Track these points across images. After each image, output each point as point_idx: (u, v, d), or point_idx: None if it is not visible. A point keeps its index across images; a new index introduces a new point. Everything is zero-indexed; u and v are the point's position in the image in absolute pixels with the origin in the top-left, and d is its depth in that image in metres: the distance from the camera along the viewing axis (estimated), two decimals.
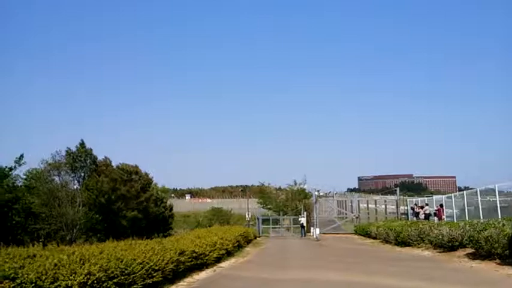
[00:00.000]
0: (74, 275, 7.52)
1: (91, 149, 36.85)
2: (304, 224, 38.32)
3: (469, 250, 15.84)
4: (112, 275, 8.33)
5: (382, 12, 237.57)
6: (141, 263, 9.31)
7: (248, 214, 51.84)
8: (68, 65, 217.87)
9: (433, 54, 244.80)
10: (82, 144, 36.59)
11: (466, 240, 16.12)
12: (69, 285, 7.32)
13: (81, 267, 7.81)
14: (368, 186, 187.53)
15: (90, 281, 7.68)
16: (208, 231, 21.32)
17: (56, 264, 7.60)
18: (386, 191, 77.45)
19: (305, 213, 41.24)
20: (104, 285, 8.02)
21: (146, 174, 41.00)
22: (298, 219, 40.25)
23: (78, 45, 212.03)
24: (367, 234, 31.46)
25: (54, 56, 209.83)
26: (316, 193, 48.90)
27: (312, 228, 36.75)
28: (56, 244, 10.43)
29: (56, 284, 7.19)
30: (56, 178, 33.87)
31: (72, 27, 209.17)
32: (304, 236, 36.96)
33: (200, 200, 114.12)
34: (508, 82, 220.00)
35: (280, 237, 38.23)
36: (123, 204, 37.02)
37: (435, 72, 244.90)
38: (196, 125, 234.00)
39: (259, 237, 35.97)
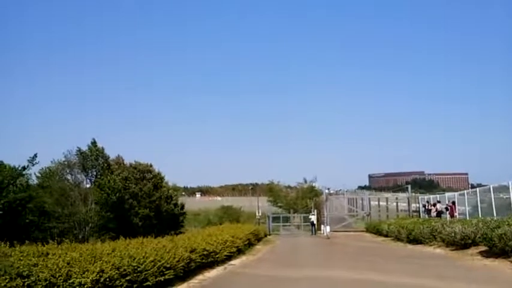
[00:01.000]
0: (86, 272, 7.60)
1: (103, 148, 37.14)
2: (315, 222, 38.24)
3: (482, 248, 15.63)
4: (124, 272, 8.40)
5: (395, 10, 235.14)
6: (152, 261, 9.38)
7: (258, 212, 51.83)
8: (80, 63, 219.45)
9: (450, 54, 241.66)
10: (94, 143, 36.90)
11: (479, 237, 15.93)
12: (82, 282, 7.41)
13: (93, 265, 7.89)
14: (379, 183, 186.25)
15: (102, 279, 7.75)
16: (219, 229, 21.36)
17: (68, 262, 7.69)
18: (398, 188, 76.95)
19: (315, 211, 41.14)
20: (117, 282, 8.10)
21: (159, 173, 41.22)
22: (308, 217, 40.16)
23: (83, 44, 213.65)
24: (378, 232, 31.27)
25: (67, 54, 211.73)
26: (327, 191, 48.88)
27: (322, 226, 36.65)
28: (69, 242, 10.54)
29: (69, 282, 7.28)
30: (69, 177, 34.24)
31: (88, 22, 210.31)
32: (315, 233, 36.88)
33: (210, 198, 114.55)
34: None
35: (291, 235, 38.19)
36: (136, 202, 37.28)
37: (451, 70, 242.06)
38: (208, 124, 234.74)
39: (269, 235, 35.97)
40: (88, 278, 7.50)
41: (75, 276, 7.40)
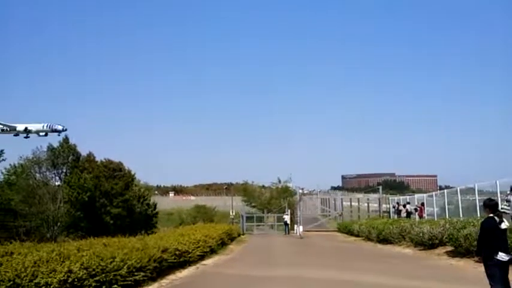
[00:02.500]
0: (53, 272, 7.43)
1: (75, 145, 36.28)
2: (288, 222, 38.52)
3: (449, 248, 16.14)
4: (93, 272, 8.24)
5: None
6: (122, 261, 9.23)
7: (232, 212, 51.75)
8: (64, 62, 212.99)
9: (420, 50, 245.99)
10: (65, 139, 36.00)
11: (446, 238, 16.44)
12: (49, 283, 7.23)
13: (61, 264, 7.71)
14: (351, 184, 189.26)
15: (70, 279, 7.58)
16: (192, 228, 21.23)
17: (35, 262, 7.49)
18: (369, 189, 78.37)
19: (289, 211, 41.42)
20: (85, 283, 7.93)
21: (129, 171, 40.56)
22: (282, 217, 40.36)
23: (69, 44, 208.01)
24: (350, 232, 31.77)
25: (51, 53, 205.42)
26: (300, 191, 49.32)
27: (295, 225, 36.95)
28: (36, 242, 10.26)
29: (34, 282, 7.09)
30: (37, 174, 33.32)
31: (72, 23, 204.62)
32: (288, 233, 37.14)
33: (184, 198, 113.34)
34: (496, 82, 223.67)
35: (264, 234, 38.32)
36: (107, 201, 36.61)
37: (422, 71, 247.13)
38: (181, 123, 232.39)
39: (243, 234, 35.98)
40: (55, 278, 7.33)
41: (41, 276, 7.22)
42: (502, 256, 6.91)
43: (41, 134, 51.31)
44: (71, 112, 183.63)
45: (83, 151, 38.50)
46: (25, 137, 52.06)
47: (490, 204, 7.19)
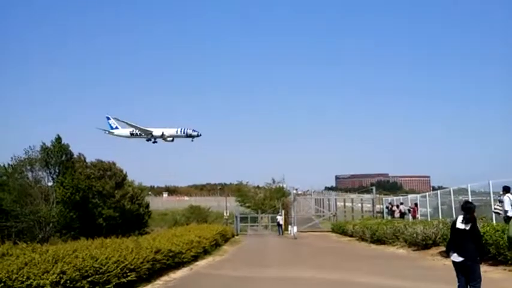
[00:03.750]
0: (46, 274, 7.35)
1: (68, 145, 35.97)
2: (281, 223, 38.57)
3: (442, 248, 16.19)
4: (86, 274, 8.19)
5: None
6: (116, 262, 9.18)
7: (226, 212, 51.68)
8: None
9: (413, 50, 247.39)
10: (58, 139, 35.69)
11: (439, 238, 16.55)
12: (41, 284, 7.16)
13: (53, 266, 7.64)
14: (345, 184, 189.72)
15: (63, 280, 7.52)
16: (186, 229, 21.18)
17: (27, 263, 7.42)
18: (363, 189, 78.49)
19: (282, 211, 41.45)
20: (78, 284, 7.88)
21: (121, 171, 40.25)
22: (275, 217, 40.35)
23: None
24: (344, 232, 31.85)
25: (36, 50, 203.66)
26: (294, 191, 49.27)
27: (289, 226, 36.98)
28: (28, 242, 10.17)
29: (27, 283, 7.02)
30: (29, 174, 33.04)
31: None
32: (282, 234, 37.17)
33: (178, 198, 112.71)
34: (497, 82, 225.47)
35: (258, 235, 38.33)
36: (100, 201, 36.38)
37: (416, 70, 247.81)
38: (177, 123, 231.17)
39: (237, 235, 35.97)
40: (48, 279, 7.26)
41: (33, 277, 7.14)
42: (453, 256, 6.85)
43: (168, 139, 50.90)
44: (63, 111, 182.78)
45: (75, 151, 38.28)
46: (153, 142, 51.79)
47: (461, 207, 7.21)
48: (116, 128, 52.60)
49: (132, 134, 52.14)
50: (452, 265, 6.93)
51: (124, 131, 52.75)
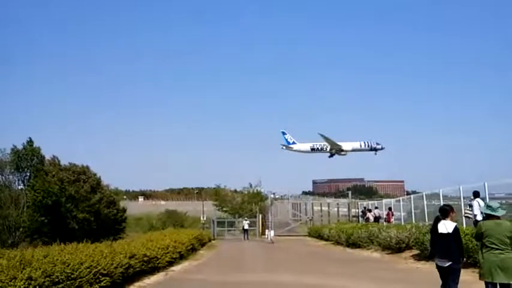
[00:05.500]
0: (13, 280, 7.10)
1: (39, 148, 35.09)
2: (246, 228, 38.66)
3: (415, 251, 16.57)
4: (56, 280, 7.95)
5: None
6: (88, 267, 8.96)
7: (203, 217, 51.34)
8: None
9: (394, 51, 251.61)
10: (30, 142, 34.75)
11: (412, 242, 16.89)
12: None
13: (21, 272, 7.38)
14: (322, 189, 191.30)
15: (31, 287, 7.28)
16: (161, 234, 20.91)
17: None
18: (339, 194, 79.45)
19: (246, 218, 41.44)
20: None
21: (95, 175, 39.42)
22: (247, 222, 40.04)
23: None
24: (320, 236, 32.07)
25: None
26: (272, 196, 49.35)
27: (266, 230, 36.98)
28: None
29: None
30: None
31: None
32: (248, 239, 37.10)
33: (154, 202, 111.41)
34: (464, 84, 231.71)
35: (236, 239, 38.16)
36: (73, 206, 35.50)
37: (392, 75, 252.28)
38: (153, 126, 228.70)
39: (214, 240, 35.70)
40: (15, 286, 7.01)
41: (0, 284, 6.89)
42: (439, 261, 6.86)
43: (342, 153, 49.79)
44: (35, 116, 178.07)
45: (47, 154, 37.29)
46: (329, 156, 51.25)
47: (439, 209, 7.31)
48: (294, 143, 52.46)
49: (313, 149, 51.60)
50: (431, 269, 6.96)
51: (303, 145, 52.54)
